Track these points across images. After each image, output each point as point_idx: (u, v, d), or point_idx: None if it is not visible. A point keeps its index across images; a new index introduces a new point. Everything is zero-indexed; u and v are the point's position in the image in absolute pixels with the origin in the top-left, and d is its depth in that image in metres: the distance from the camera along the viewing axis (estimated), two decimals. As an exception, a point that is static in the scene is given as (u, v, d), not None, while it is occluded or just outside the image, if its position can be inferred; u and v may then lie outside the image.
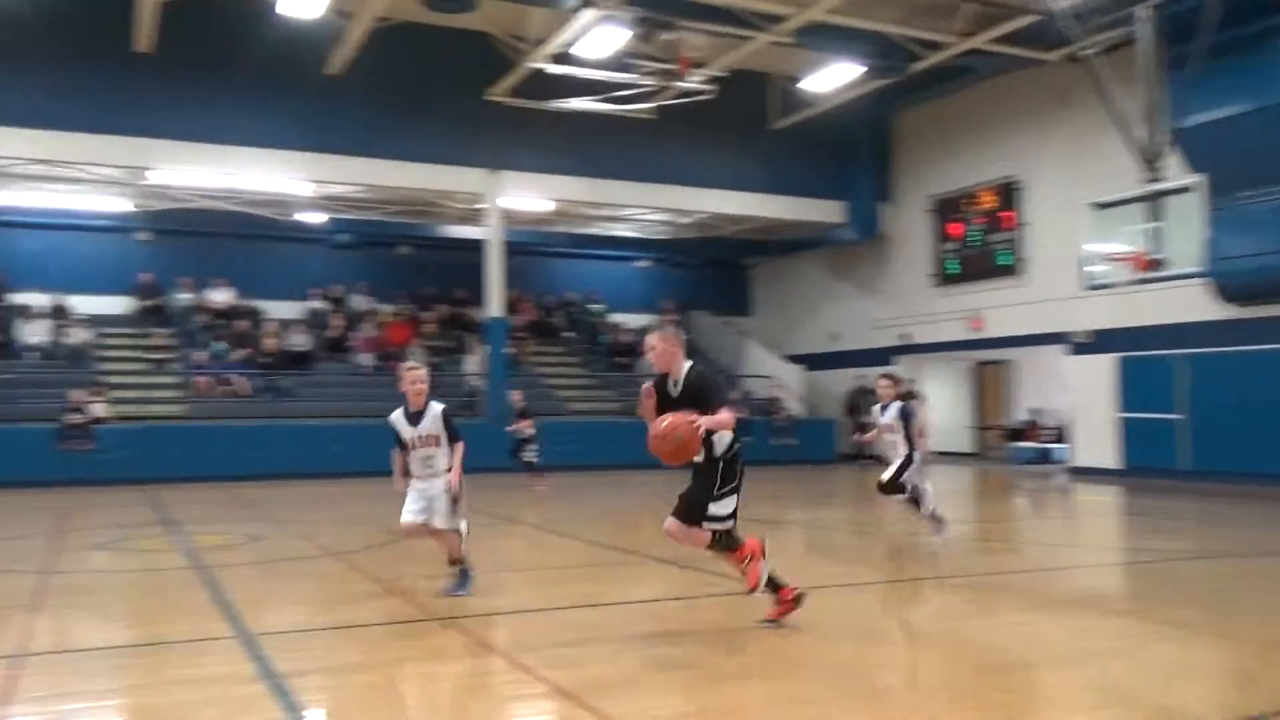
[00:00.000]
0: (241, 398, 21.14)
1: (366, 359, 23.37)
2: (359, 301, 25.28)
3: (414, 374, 7.15)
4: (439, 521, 7.17)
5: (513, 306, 24.54)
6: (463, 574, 7.36)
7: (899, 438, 10.25)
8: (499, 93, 20.47)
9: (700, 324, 28.77)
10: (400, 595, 7.76)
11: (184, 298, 23.53)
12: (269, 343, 22.27)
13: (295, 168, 20.04)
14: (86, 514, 14.06)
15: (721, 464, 6.13)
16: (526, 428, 17.26)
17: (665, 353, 6.26)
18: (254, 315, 23.54)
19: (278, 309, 24.20)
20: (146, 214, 22.92)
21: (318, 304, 24.73)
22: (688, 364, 6.26)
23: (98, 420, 18.75)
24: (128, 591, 8.54)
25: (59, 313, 22.05)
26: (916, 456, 10.22)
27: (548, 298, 27.47)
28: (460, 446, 7.26)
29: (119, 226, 23.58)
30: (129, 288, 23.50)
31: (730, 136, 23.23)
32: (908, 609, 7.80)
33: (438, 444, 7.16)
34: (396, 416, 7.21)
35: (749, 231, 26.54)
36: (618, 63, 19.06)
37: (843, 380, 25.54)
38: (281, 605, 7.70)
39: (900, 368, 24.10)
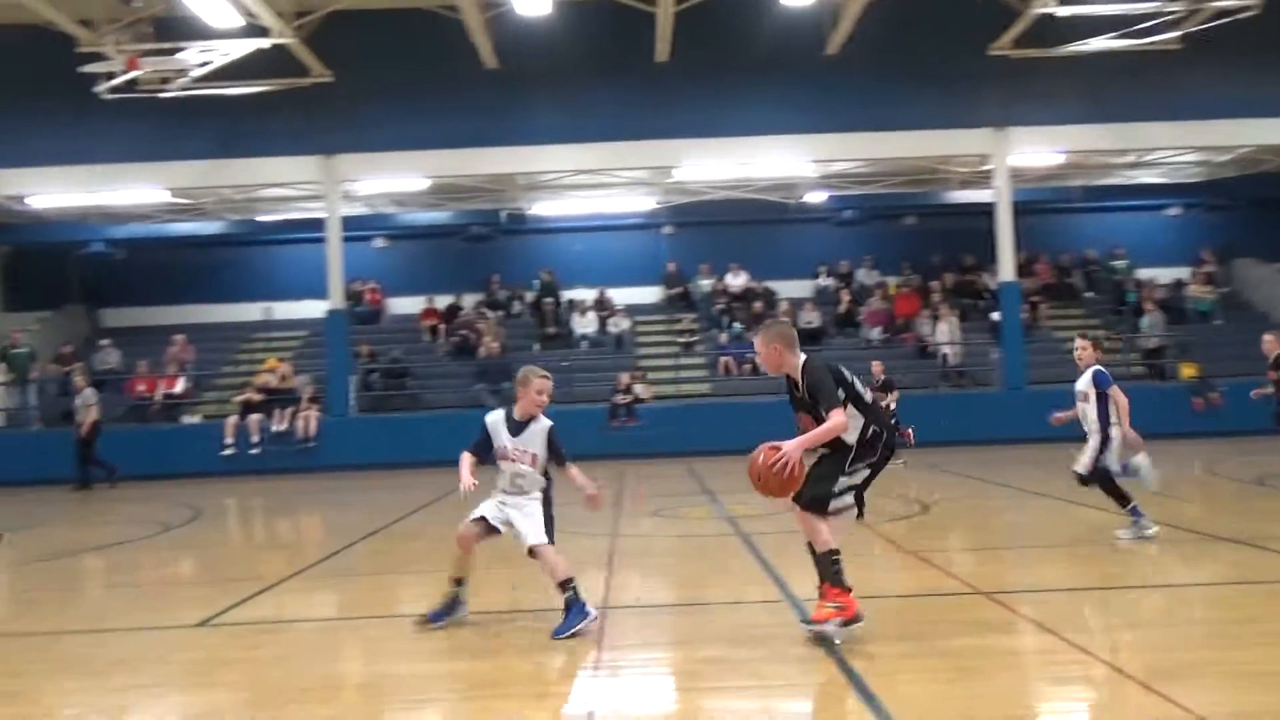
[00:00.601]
0: (760, 375, 22.31)
1: (875, 332, 23.58)
2: (865, 275, 25.57)
3: (545, 383, 6.36)
4: (532, 537, 6.20)
5: (1025, 269, 23.39)
6: (570, 606, 6.05)
7: (1091, 409, 8.56)
8: (1002, 46, 19.52)
9: (1246, 274, 25.38)
10: (935, 567, 7.77)
11: (704, 284, 25.36)
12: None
13: (801, 150, 20.73)
14: (636, 484, 15.69)
15: (858, 446, 5.50)
16: (891, 400, 16.49)
17: (769, 356, 5.72)
18: (768, 296, 24.71)
19: (788, 288, 25.20)
20: (669, 209, 24.99)
21: (825, 281, 25.41)
22: (801, 359, 5.64)
23: (639, 399, 20.84)
24: (682, 554, 9.42)
25: (602, 305, 24.80)
26: (1114, 434, 8.44)
27: (1064, 257, 25.79)
28: (573, 468, 6.35)
29: (646, 223, 25.98)
30: (657, 278, 25.82)
31: (1277, 56, 20.18)
32: None
33: (533, 463, 6.29)
34: (496, 420, 6.38)
35: (1306, 161, 22.89)
36: (1137, -8, 17.36)
37: None
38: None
39: None
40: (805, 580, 7.32)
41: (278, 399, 20.39)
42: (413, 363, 23.00)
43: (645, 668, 5.57)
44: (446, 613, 6.25)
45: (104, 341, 23.62)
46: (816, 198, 24.51)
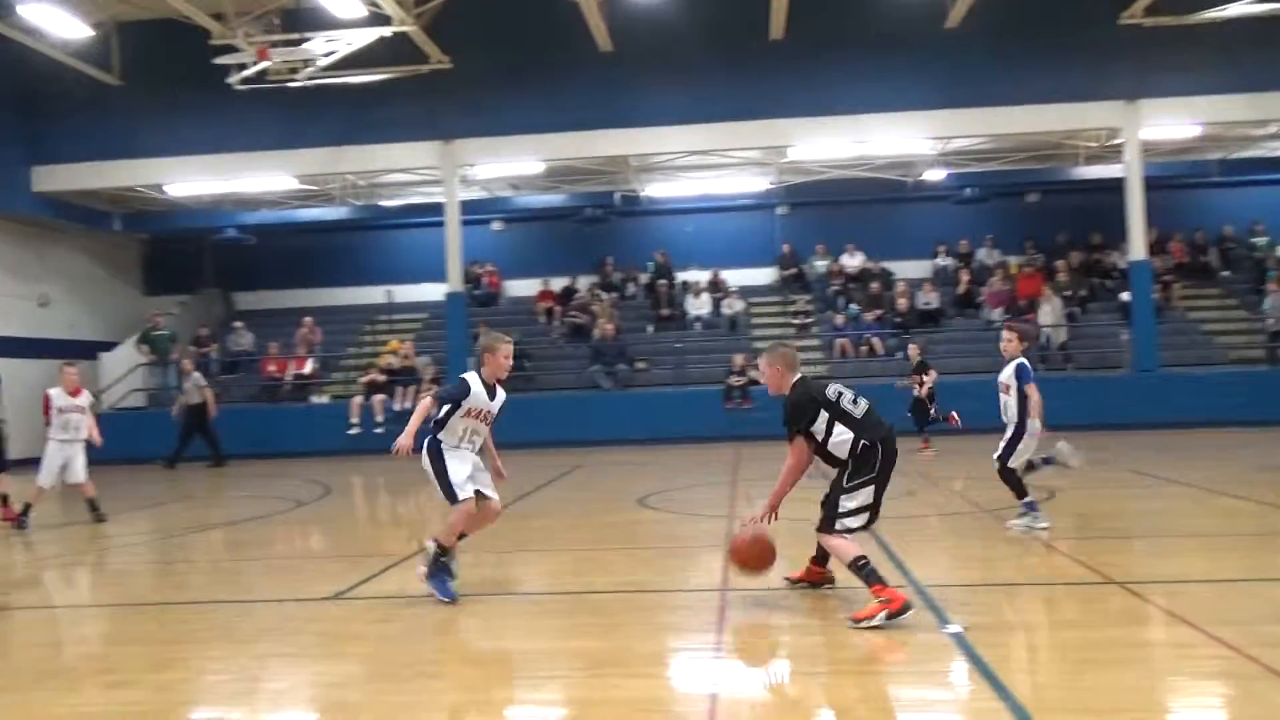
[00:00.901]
0: (878, 357, 22.00)
1: (995, 313, 22.95)
2: (986, 255, 24.91)
3: (510, 348, 6.80)
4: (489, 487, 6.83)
5: (1157, 247, 22.48)
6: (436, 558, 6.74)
7: (1012, 401, 8.58)
8: (1134, 15, 18.73)
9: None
10: (1065, 555, 7.56)
11: (820, 264, 25.06)
12: (900, 302, 22.85)
13: (921, 127, 20.28)
14: (752, 465, 15.62)
15: (852, 461, 5.82)
16: (928, 381, 16.25)
17: (771, 377, 6.06)
18: (884, 276, 24.29)
19: (905, 269, 24.73)
20: (783, 189, 24.75)
21: (944, 261, 24.84)
22: (794, 380, 6.00)
23: (754, 382, 20.73)
24: (799, 536, 9.33)
25: (716, 286, 24.73)
26: (1030, 427, 8.50)
27: (1199, 234, 24.65)
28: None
29: (760, 204, 25.77)
30: (772, 259, 25.63)
31: None
32: None
33: (489, 423, 6.81)
34: (477, 383, 6.67)
35: None
36: (1282, -47, 16.47)
37: None
38: (946, 560, 7.90)
39: None
40: (927, 565, 7.24)
41: (400, 379, 20.95)
42: (529, 344, 23.32)
43: (765, 650, 5.55)
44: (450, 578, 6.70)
45: (238, 324, 24.60)
46: (935, 175, 23.96)
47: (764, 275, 25.65)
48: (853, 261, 24.80)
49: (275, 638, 5.97)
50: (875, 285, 23.65)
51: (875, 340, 22.25)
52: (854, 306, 23.37)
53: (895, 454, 5.95)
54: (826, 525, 5.86)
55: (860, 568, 5.69)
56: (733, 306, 24.05)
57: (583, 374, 21.96)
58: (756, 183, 24.67)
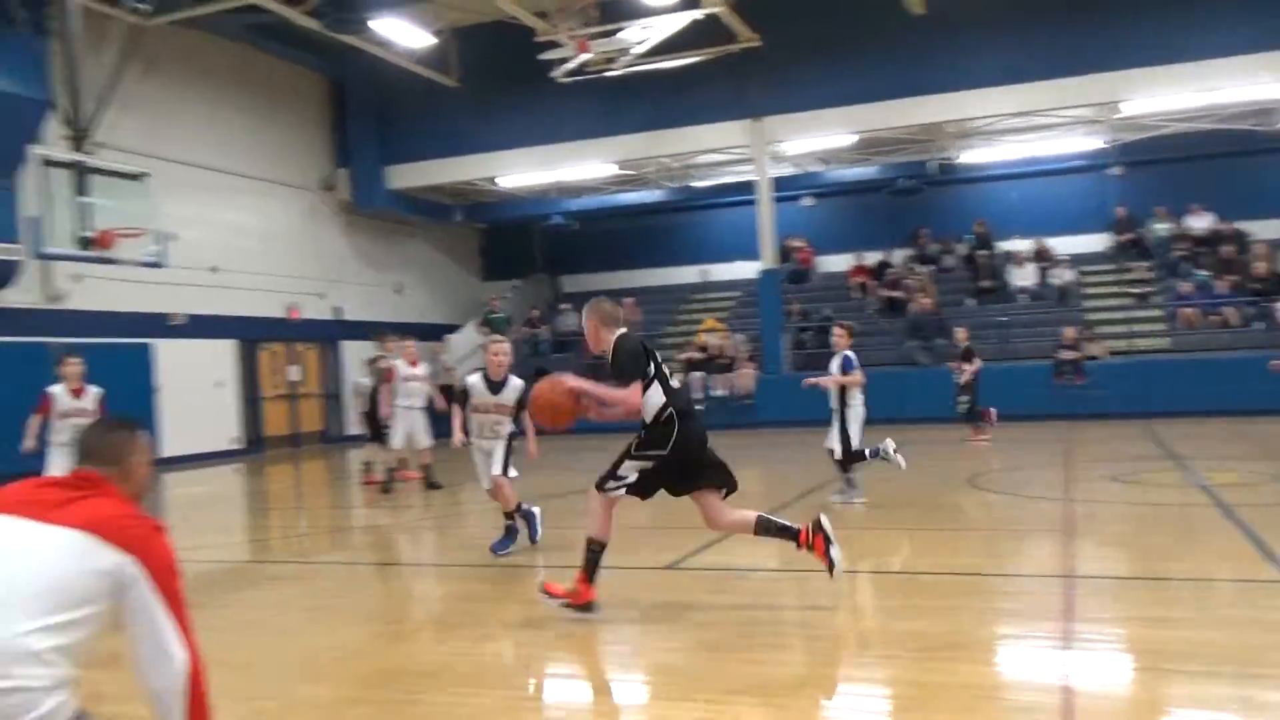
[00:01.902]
0: (1232, 328, 19.97)
1: (1381, 275, 20.18)
2: (1367, 209, 21.94)
3: (498, 347, 7.94)
4: (495, 468, 7.87)
5: None
6: (508, 530, 8.03)
7: (834, 392, 9.63)
8: None
9: None
10: None
11: (1161, 228, 23.04)
12: (1258, 266, 20.57)
13: (1281, 69, 18.11)
14: (1089, 446, 14.70)
15: (653, 427, 5.63)
16: (969, 370, 15.65)
17: (590, 332, 5.88)
18: (1238, 238, 21.96)
19: (1265, 229, 22.22)
20: (1117, 148, 22.92)
21: (1313, 218, 22.12)
22: (616, 334, 5.76)
23: (1088, 356, 19.45)
24: (1151, 524, 8.69)
25: (1041, 256, 23.35)
26: (849, 415, 9.57)
27: None
28: (525, 415, 7.70)
29: (1089, 165, 23.99)
30: (1105, 224, 23.84)
31: None
32: None
33: (509, 414, 7.90)
34: (476, 380, 7.93)
35: None
36: None
37: None
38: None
39: None
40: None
41: (716, 361, 21.46)
42: (843, 320, 23.05)
43: (1120, 642, 5.21)
44: (509, 542, 8.02)
45: (564, 305, 26.05)
46: (1301, 122, 21.32)
47: (1096, 242, 23.94)
48: (1200, 223, 22.62)
49: (618, 603, 6.29)
50: (1228, 248, 21.46)
51: (1229, 310, 20.20)
52: (1202, 273, 21.32)
53: (697, 439, 5.76)
54: (600, 482, 5.79)
55: (590, 551, 5.77)
56: (1061, 276, 22.63)
57: (899, 349, 21.46)
58: (1086, 142, 22.99)
